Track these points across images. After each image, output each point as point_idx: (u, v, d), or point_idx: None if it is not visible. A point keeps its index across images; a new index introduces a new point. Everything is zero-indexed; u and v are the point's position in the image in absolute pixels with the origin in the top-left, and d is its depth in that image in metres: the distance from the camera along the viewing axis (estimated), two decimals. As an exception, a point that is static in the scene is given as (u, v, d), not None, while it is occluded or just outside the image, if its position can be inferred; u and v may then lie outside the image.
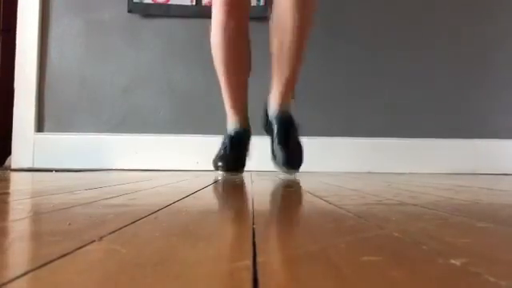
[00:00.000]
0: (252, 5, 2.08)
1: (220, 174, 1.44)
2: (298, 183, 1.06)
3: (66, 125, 2.10)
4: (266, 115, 1.49)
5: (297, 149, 1.39)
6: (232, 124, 1.52)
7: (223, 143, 1.52)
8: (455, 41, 2.16)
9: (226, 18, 1.42)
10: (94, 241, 0.30)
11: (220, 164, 1.46)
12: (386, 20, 2.16)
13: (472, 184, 1.12)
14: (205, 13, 2.08)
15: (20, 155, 2.06)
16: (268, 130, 1.48)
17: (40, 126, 2.10)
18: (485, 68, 2.16)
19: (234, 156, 1.48)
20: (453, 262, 0.25)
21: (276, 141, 1.39)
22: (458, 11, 2.17)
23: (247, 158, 1.53)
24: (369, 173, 1.95)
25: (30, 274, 0.22)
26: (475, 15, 2.18)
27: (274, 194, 0.76)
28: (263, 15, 2.10)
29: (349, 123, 2.13)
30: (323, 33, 2.14)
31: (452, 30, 2.17)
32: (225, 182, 1.12)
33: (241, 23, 1.45)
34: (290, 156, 1.35)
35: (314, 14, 1.43)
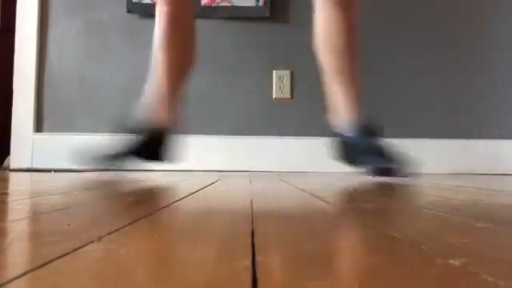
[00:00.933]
0: (251, 5, 2.09)
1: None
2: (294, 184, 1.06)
3: (65, 125, 2.10)
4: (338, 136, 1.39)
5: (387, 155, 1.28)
6: (154, 118, 1.43)
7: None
8: (455, 42, 2.17)
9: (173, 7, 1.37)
10: (93, 241, 0.30)
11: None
12: (385, 19, 2.16)
13: (471, 184, 1.12)
14: (204, 13, 2.08)
15: (19, 155, 2.06)
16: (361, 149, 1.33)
17: (39, 126, 2.10)
18: (484, 69, 2.16)
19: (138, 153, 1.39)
20: (452, 262, 0.25)
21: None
22: (457, 11, 2.18)
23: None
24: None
25: (29, 275, 0.22)
26: (474, 15, 2.18)
27: (272, 194, 0.76)
28: (263, 15, 2.10)
29: (348, 123, 2.13)
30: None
31: (451, 31, 2.17)
32: (224, 182, 1.12)
33: (186, 12, 1.40)
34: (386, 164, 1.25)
35: (355, 16, 1.36)
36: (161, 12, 1.39)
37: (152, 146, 1.40)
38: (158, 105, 1.42)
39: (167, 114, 1.42)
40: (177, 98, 1.44)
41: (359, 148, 1.30)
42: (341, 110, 1.36)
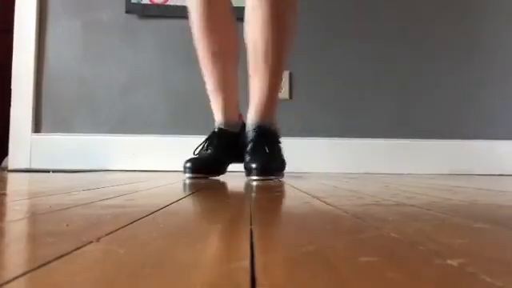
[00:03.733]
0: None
1: (187, 178, 1.25)
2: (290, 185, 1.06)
3: (64, 125, 2.10)
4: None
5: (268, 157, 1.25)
6: (216, 121, 1.37)
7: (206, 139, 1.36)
8: (454, 43, 2.17)
9: None
10: (92, 242, 0.30)
11: (188, 165, 1.27)
12: (385, 20, 2.16)
13: (469, 185, 1.12)
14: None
15: (17, 156, 2.06)
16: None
17: (37, 127, 2.10)
18: (482, 69, 2.17)
19: (207, 158, 1.30)
20: (450, 262, 0.25)
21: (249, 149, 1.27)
22: (453, 12, 2.18)
23: (228, 162, 1.35)
24: (366, 173, 1.95)
25: (27, 275, 0.22)
26: (470, 15, 2.18)
27: (271, 195, 0.76)
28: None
29: (346, 124, 2.13)
30: (322, 34, 2.15)
31: (450, 32, 2.17)
32: (223, 182, 1.12)
33: None
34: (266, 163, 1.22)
35: (287, 27, 1.30)
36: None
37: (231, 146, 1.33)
38: (218, 104, 1.36)
39: (231, 110, 1.36)
40: (231, 88, 1.37)
41: (246, 145, 1.27)
42: (252, 106, 1.32)
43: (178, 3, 2.10)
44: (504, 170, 2.09)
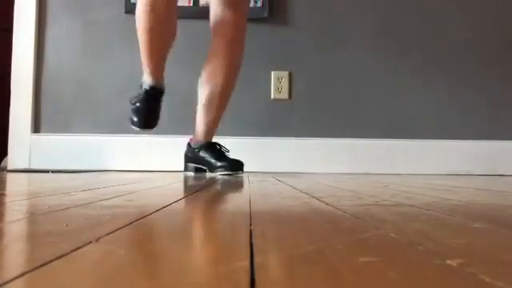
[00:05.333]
0: (250, 6, 2.09)
1: (136, 131, 1.63)
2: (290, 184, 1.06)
3: (63, 126, 2.10)
4: (190, 149, 1.72)
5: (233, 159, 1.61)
6: (149, 79, 1.60)
7: (136, 97, 1.62)
8: (454, 43, 2.17)
9: None
10: (91, 242, 0.30)
11: (135, 119, 1.61)
12: (385, 22, 2.16)
13: (468, 185, 1.12)
14: (202, 14, 2.08)
15: (16, 156, 2.06)
16: (193, 159, 1.70)
17: (36, 127, 2.09)
18: (481, 69, 2.17)
19: (148, 111, 1.61)
20: (449, 262, 0.25)
21: (214, 159, 1.62)
22: (453, 10, 2.18)
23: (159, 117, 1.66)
24: (366, 174, 1.95)
25: (26, 276, 0.22)
26: (468, 16, 2.18)
27: (271, 195, 0.76)
28: (261, 16, 2.10)
29: (346, 124, 2.13)
30: (322, 34, 2.15)
31: (448, 30, 2.17)
32: (222, 183, 1.12)
33: None
34: (234, 163, 1.58)
35: (240, 58, 1.61)
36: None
37: (150, 104, 1.62)
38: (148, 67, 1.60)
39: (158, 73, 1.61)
40: (162, 61, 1.61)
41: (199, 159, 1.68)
42: (203, 131, 1.68)
43: (177, 3, 2.10)
44: (503, 170, 2.09)
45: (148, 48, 1.54)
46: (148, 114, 1.61)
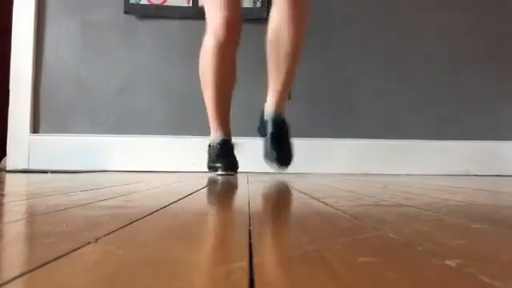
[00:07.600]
0: (249, 6, 2.09)
1: (219, 175, 1.51)
2: (291, 184, 1.06)
3: (62, 126, 2.09)
4: (262, 117, 1.61)
5: (288, 148, 1.55)
6: (218, 136, 1.59)
7: (211, 151, 1.60)
8: (454, 43, 2.17)
9: (224, 42, 1.48)
10: (90, 242, 0.30)
11: (219, 165, 1.54)
12: (385, 21, 2.17)
13: (467, 185, 1.12)
14: (201, 14, 2.08)
15: (15, 156, 2.06)
16: (261, 130, 1.61)
17: (35, 127, 2.09)
18: (480, 69, 2.17)
19: (229, 160, 1.56)
20: (448, 262, 0.25)
21: (270, 140, 1.53)
22: (452, 11, 2.18)
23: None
24: (365, 174, 1.95)
25: (25, 276, 0.22)
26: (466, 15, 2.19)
27: (270, 195, 0.77)
28: (261, 16, 2.10)
29: (345, 124, 2.13)
30: (321, 34, 2.15)
31: (449, 32, 2.17)
32: (221, 183, 1.12)
33: (235, 46, 1.53)
34: (283, 154, 1.51)
35: (306, 28, 1.52)
36: (209, 43, 1.51)
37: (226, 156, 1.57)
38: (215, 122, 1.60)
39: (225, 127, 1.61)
40: (228, 112, 1.61)
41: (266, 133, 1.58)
42: (273, 97, 1.58)
43: (177, 4, 2.10)
44: (502, 170, 2.09)
45: (214, 93, 1.54)
46: (231, 162, 1.55)
